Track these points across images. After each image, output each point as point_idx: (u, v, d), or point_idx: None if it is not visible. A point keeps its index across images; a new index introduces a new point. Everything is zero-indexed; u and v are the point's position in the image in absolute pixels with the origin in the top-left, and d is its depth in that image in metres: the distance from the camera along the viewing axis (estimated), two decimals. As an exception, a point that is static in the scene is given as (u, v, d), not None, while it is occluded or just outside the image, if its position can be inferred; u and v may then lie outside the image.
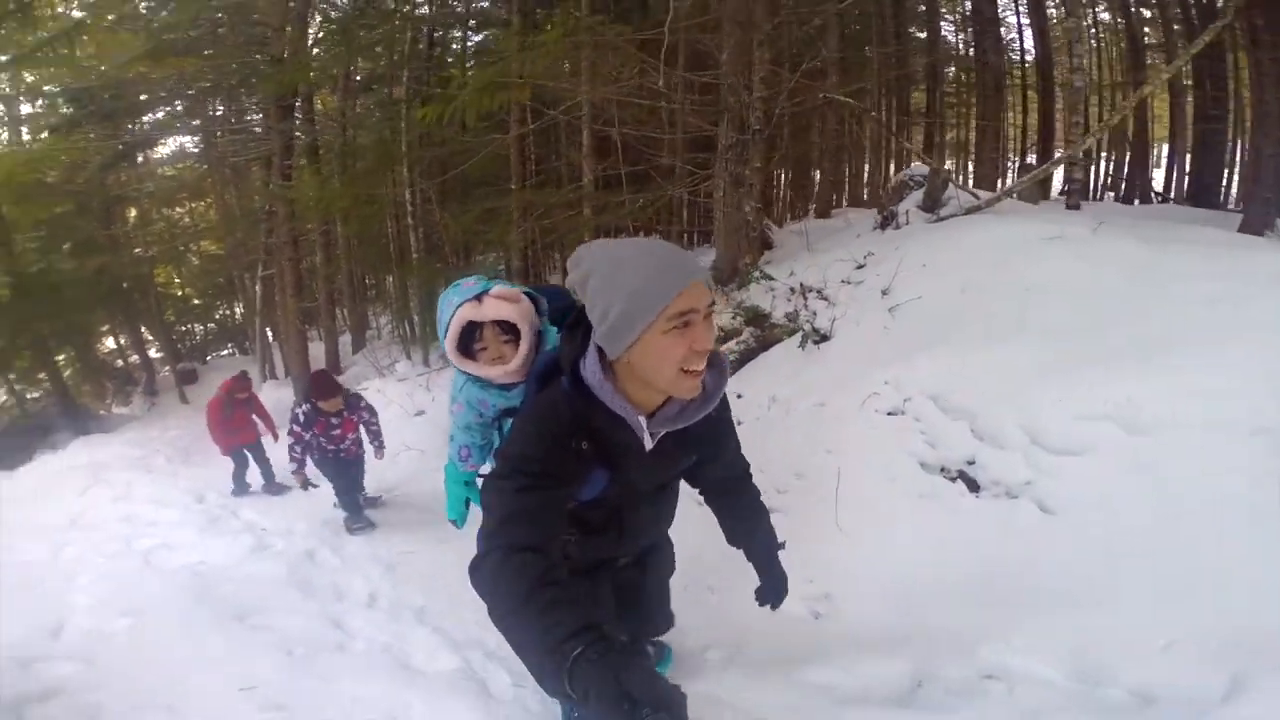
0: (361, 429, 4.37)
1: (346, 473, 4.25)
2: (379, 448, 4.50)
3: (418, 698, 1.94)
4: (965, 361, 2.73)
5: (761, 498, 1.76)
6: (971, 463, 2.52)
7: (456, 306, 1.58)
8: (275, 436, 5.63)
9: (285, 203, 7.68)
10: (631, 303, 1.13)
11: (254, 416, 5.60)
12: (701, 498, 1.78)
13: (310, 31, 8.28)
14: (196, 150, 11.52)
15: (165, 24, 5.85)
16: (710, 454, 1.59)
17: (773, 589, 1.72)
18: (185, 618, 2.70)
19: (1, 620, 2.89)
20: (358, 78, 9.21)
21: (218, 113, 11.17)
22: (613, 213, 5.80)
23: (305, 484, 4.30)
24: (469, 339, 1.61)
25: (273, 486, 5.36)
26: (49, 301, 9.91)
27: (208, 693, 2.06)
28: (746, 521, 1.75)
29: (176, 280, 15.47)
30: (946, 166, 14.09)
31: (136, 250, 11.76)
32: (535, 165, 8.64)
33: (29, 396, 12.57)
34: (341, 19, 8.13)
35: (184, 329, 16.61)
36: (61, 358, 12.06)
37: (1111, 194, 13.72)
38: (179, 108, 10.58)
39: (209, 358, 16.42)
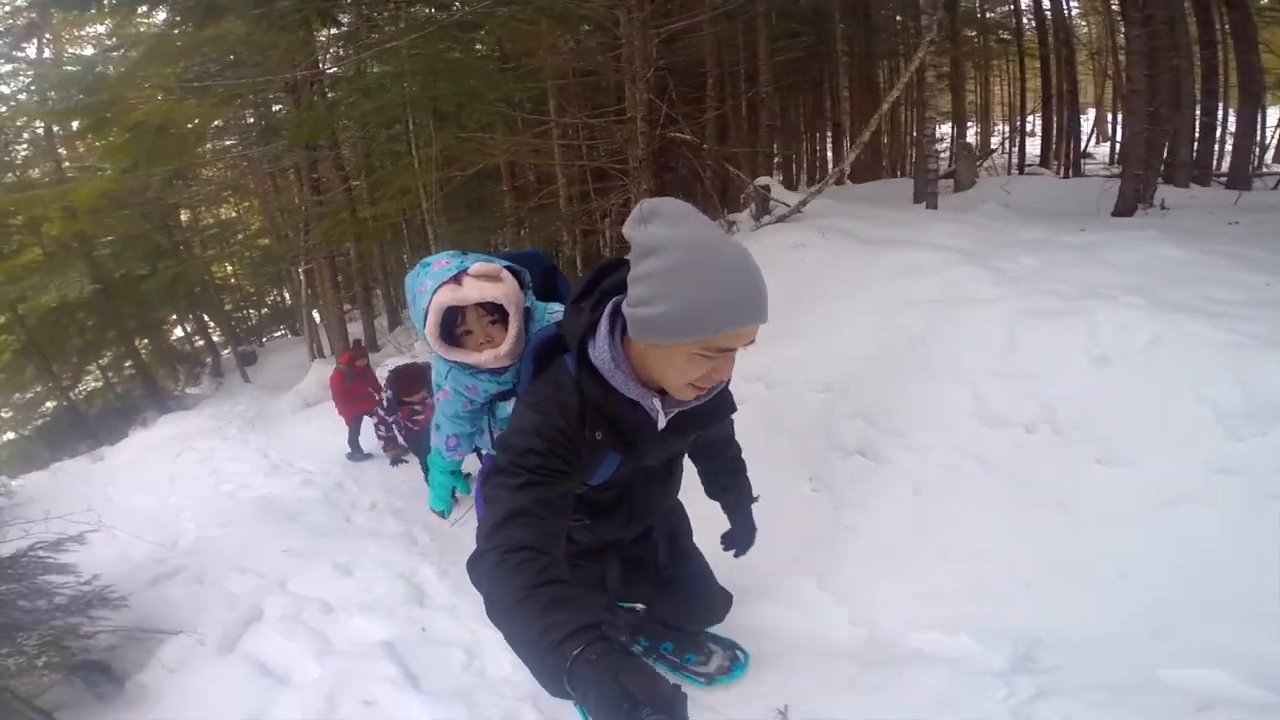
0: None
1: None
2: None
3: (374, 544, 3.49)
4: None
5: (742, 454, 1.84)
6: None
7: (433, 291, 1.48)
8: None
9: (316, 214, 9.15)
10: (684, 313, 1.05)
11: (368, 386, 5.84)
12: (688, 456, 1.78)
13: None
14: (235, 151, 12.97)
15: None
16: (714, 422, 1.54)
17: (742, 536, 1.82)
18: (256, 523, 4.23)
19: (137, 543, 4.51)
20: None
21: (250, 121, 12.70)
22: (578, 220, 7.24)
23: (396, 459, 4.58)
24: (451, 324, 1.52)
25: (359, 453, 5.74)
26: (130, 301, 11.97)
27: (265, 555, 3.57)
28: (728, 476, 1.81)
29: (230, 270, 17.45)
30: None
31: (195, 251, 13.60)
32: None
33: (114, 383, 14.88)
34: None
35: (240, 314, 18.68)
36: (141, 346, 14.27)
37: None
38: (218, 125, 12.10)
39: (265, 339, 18.43)
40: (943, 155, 15.16)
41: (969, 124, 20.34)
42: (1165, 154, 8.69)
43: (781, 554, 2.37)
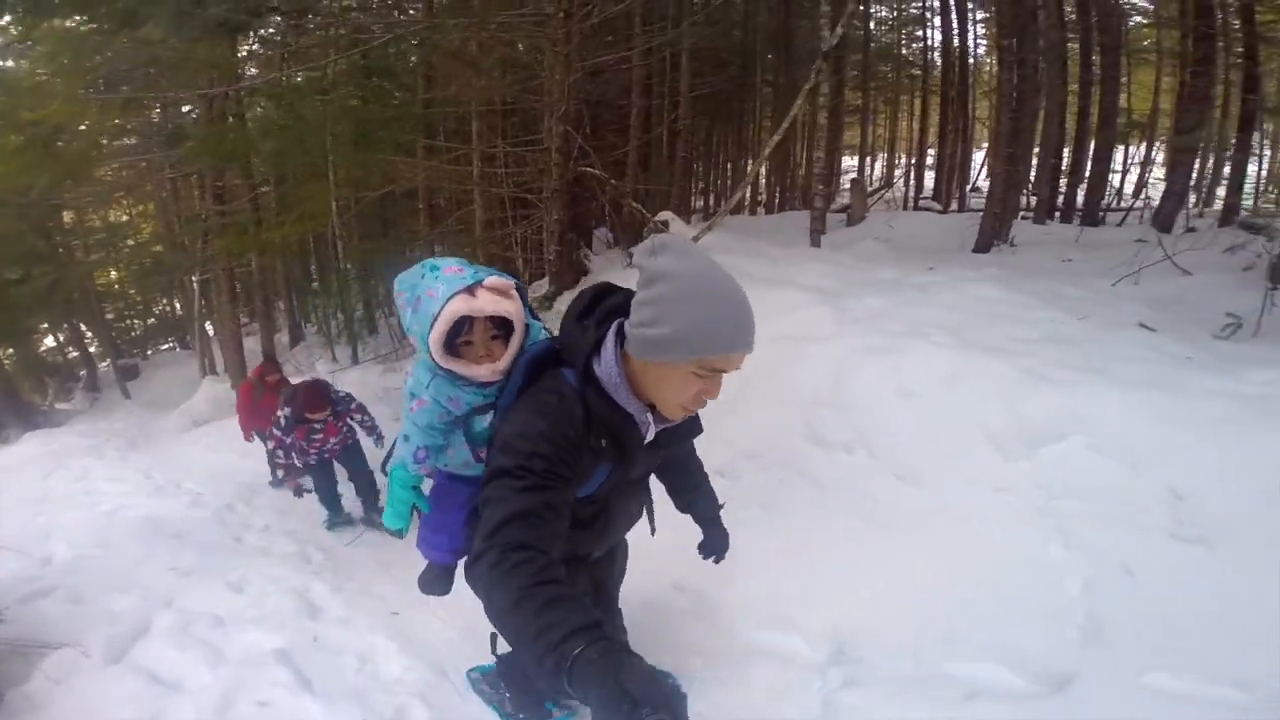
0: (357, 428, 4.42)
1: (328, 473, 4.37)
2: (378, 439, 4.47)
3: (266, 563, 3.61)
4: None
5: (705, 474, 1.95)
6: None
7: (446, 298, 1.49)
8: None
9: (217, 225, 8.95)
10: (685, 334, 1.17)
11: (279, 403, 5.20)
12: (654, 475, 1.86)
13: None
14: (133, 154, 12.35)
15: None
16: (688, 440, 1.70)
17: (719, 543, 1.93)
18: (138, 543, 4.15)
19: (3, 562, 4.35)
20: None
21: (155, 120, 12.16)
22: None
23: (299, 491, 4.34)
24: (453, 334, 1.54)
25: (279, 480, 5.17)
26: (-3, 306, 11.15)
27: (150, 574, 3.57)
28: (696, 490, 1.92)
29: (113, 275, 16.42)
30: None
31: (77, 255, 12.83)
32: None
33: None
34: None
35: (123, 324, 17.55)
36: (5, 356, 13.25)
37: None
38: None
39: (149, 352, 17.41)
40: (844, 188, 16.37)
41: (877, 157, 21.89)
42: (1041, 191, 9.85)
43: (650, 563, 2.71)
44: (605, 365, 1.30)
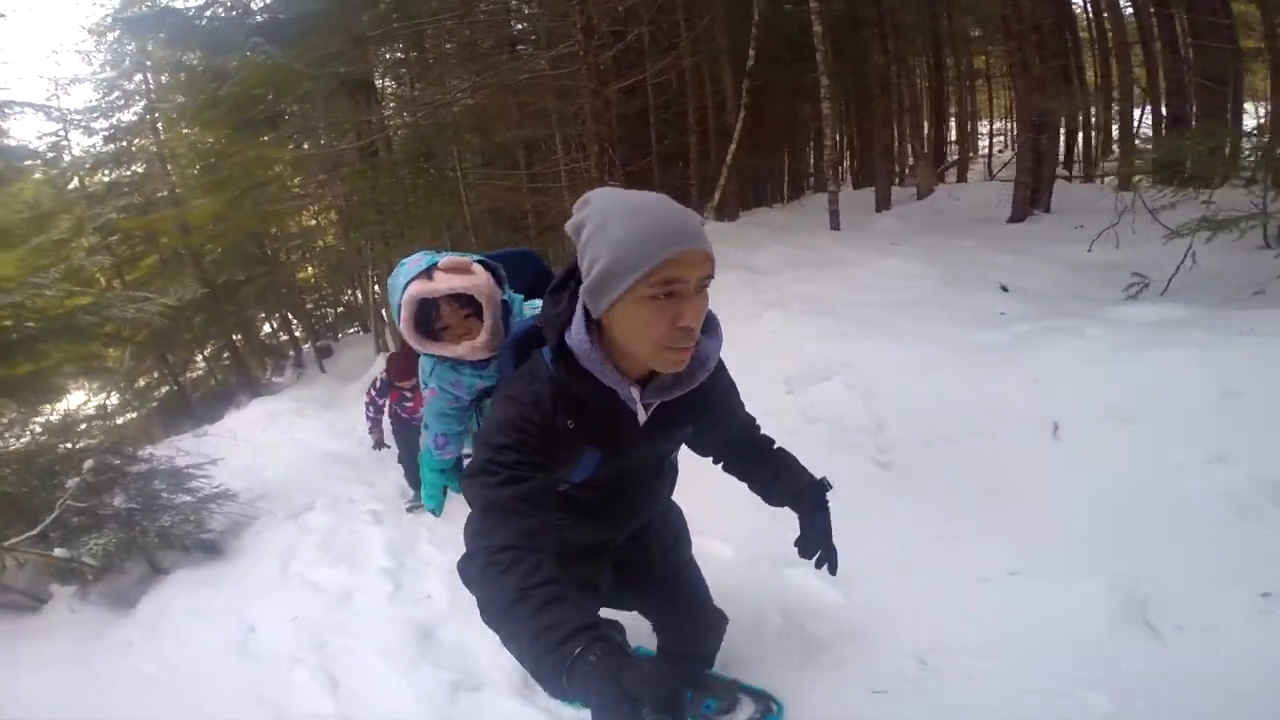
0: None
1: (415, 443, 5.32)
2: None
3: (394, 474, 5.47)
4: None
5: (775, 445, 1.72)
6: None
7: (403, 286, 1.55)
8: None
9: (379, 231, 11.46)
10: (616, 257, 1.10)
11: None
12: (720, 468, 1.75)
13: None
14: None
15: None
16: (713, 420, 1.57)
17: (814, 537, 1.54)
18: (319, 466, 6.43)
19: (236, 479, 6.78)
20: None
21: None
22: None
23: (379, 443, 5.15)
24: (427, 318, 1.60)
25: None
26: (230, 303, 14.87)
27: (322, 480, 5.72)
28: (765, 470, 1.68)
29: (309, 272, 20.29)
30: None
31: (282, 259, 16.43)
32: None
33: (215, 371, 18.06)
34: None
35: (320, 313, 21.39)
36: (237, 340, 17.31)
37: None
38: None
39: (340, 335, 21.11)
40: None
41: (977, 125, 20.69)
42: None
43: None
44: (576, 334, 1.24)
